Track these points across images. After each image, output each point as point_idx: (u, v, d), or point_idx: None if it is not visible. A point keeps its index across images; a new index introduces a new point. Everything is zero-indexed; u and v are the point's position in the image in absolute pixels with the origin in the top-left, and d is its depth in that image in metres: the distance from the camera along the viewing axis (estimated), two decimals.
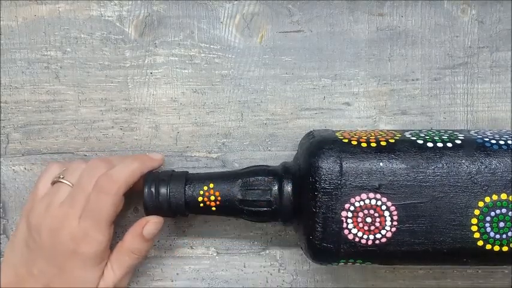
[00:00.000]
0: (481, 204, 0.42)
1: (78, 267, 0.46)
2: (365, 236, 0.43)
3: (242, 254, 0.54)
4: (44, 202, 0.47)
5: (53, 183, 0.48)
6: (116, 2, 0.51)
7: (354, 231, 0.43)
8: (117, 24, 0.52)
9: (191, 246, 0.54)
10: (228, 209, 0.47)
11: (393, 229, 0.43)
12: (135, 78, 0.52)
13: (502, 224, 0.42)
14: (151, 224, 0.48)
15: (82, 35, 0.52)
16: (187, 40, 0.52)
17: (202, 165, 0.53)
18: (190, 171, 0.49)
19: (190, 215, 0.49)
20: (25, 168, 0.53)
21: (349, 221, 0.42)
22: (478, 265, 0.53)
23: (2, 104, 0.53)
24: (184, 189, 0.47)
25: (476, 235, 0.42)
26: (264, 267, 0.54)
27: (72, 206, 0.46)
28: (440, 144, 0.43)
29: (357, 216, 0.42)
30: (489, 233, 0.42)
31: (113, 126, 0.53)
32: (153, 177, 0.47)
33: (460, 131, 0.46)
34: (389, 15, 0.52)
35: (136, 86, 0.52)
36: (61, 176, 0.48)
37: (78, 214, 0.46)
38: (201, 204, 0.47)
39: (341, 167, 0.42)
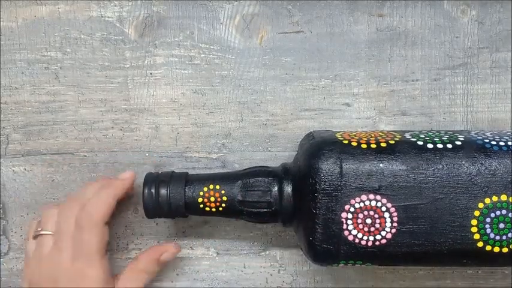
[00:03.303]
0: (481, 205, 0.42)
1: None
2: (365, 237, 0.43)
3: (242, 254, 0.54)
4: (34, 258, 0.48)
5: (35, 237, 0.48)
6: (116, 2, 0.51)
7: (354, 232, 0.43)
8: (117, 24, 0.52)
9: (191, 247, 0.54)
10: (228, 210, 0.47)
11: (393, 230, 0.43)
12: (135, 79, 0.52)
13: (502, 225, 0.42)
14: (170, 254, 0.50)
15: (82, 36, 0.52)
16: (187, 41, 0.52)
17: (202, 166, 0.53)
18: (190, 171, 0.49)
19: (190, 216, 0.49)
20: (25, 169, 0.53)
21: (349, 222, 0.42)
22: (478, 266, 0.53)
23: (2, 105, 0.53)
24: (184, 190, 0.47)
25: (476, 236, 0.42)
26: (264, 267, 0.54)
27: (60, 252, 0.46)
28: (440, 146, 0.43)
29: (357, 218, 0.42)
30: (489, 234, 0.42)
31: (112, 127, 0.53)
32: (153, 178, 0.47)
33: (460, 132, 0.46)
34: (389, 16, 0.52)
35: (136, 87, 0.52)
36: (39, 229, 0.48)
37: (68, 257, 0.46)
38: (201, 205, 0.47)
39: (341, 168, 0.42)
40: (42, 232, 0.47)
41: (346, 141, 0.44)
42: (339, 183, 0.42)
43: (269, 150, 0.53)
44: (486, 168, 0.42)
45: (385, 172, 0.42)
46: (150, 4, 0.51)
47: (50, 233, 0.47)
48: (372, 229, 0.43)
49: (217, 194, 0.47)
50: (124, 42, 0.52)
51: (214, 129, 0.53)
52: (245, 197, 0.46)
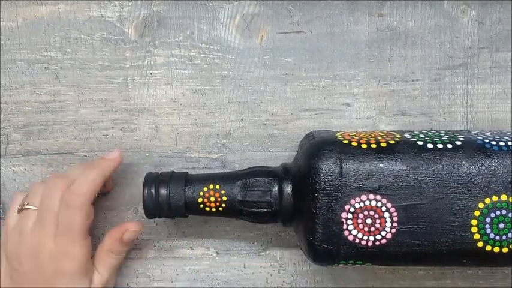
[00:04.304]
0: (481, 205, 0.42)
1: (67, 283, 0.47)
2: (365, 237, 0.43)
3: (242, 254, 0.54)
4: (15, 231, 0.47)
5: (19, 211, 0.48)
6: (116, 2, 0.51)
7: (354, 232, 0.43)
8: (117, 24, 0.52)
9: (191, 247, 0.54)
10: (228, 210, 0.47)
11: (393, 230, 0.43)
12: (135, 79, 0.52)
13: (502, 225, 0.42)
14: (131, 232, 0.49)
15: (82, 36, 0.52)
16: (187, 41, 0.52)
17: (202, 166, 0.53)
18: (190, 172, 0.49)
19: (190, 216, 0.49)
20: (25, 169, 0.53)
21: (349, 222, 0.42)
22: (478, 266, 0.53)
23: (2, 105, 0.53)
24: (184, 190, 0.47)
25: (476, 236, 0.42)
26: (264, 267, 0.54)
27: (43, 228, 0.46)
28: (440, 146, 0.43)
29: (357, 218, 0.42)
30: (489, 234, 0.42)
31: (113, 127, 0.53)
32: (153, 178, 0.47)
33: (460, 132, 0.46)
34: (389, 16, 0.52)
35: (136, 87, 0.52)
36: (25, 203, 0.48)
37: (51, 234, 0.46)
38: (201, 205, 0.47)
39: (341, 168, 0.42)
40: (27, 206, 0.47)
41: (346, 141, 0.44)
42: (339, 183, 0.42)
43: (269, 150, 0.53)
44: (486, 168, 0.42)
45: (385, 172, 0.42)
46: (150, 4, 0.51)
47: (35, 208, 0.47)
48: (372, 229, 0.43)
49: (217, 194, 0.47)
50: (124, 42, 0.52)
51: (214, 129, 0.53)
52: (245, 197, 0.46)
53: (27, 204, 0.48)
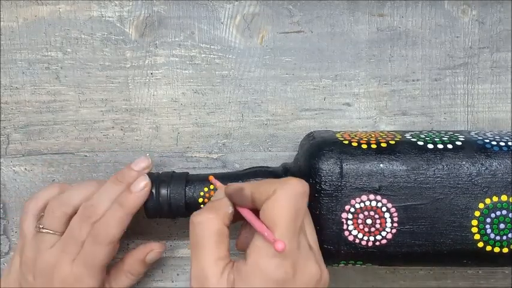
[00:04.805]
0: (481, 205, 0.42)
1: None
2: (365, 238, 0.43)
3: (242, 254, 0.54)
4: (33, 246, 0.47)
5: (36, 232, 0.48)
6: (117, 2, 0.51)
7: (354, 232, 0.43)
8: (118, 24, 0.52)
9: None
10: None
11: (393, 230, 0.43)
12: (135, 79, 0.52)
13: (502, 226, 0.42)
14: (155, 253, 0.50)
15: (82, 36, 0.52)
16: (188, 41, 0.52)
17: (202, 166, 0.53)
18: (191, 171, 0.49)
19: None
20: (25, 169, 0.53)
21: (350, 222, 0.43)
22: (478, 266, 0.53)
23: (2, 105, 0.53)
24: (185, 190, 0.47)
25: (477, 237, 0.43)
26: None
27: (63, 251, 0.46)
28: (440, 146, 0.43)
29: (357, 218, 0.42)
30: (489, 234, 0.42)
31: (113, 127, 0.53)
32: (153, 178, 0.47)
33: (461, 132, 0.46)
34: (389, 16, 0.52)
35: (136, 87, 0.52)
36: (40, 226, 0.47)
37: (70, 259, 0.46)
38: (202, 206, 0.47)
39: (341, 168, 0.42)
40: (43, 230, 0.47)
41: (346, 142, 0.44)
42: (339, 184, 0.42)
43: (269, 150, 0.53)
44: (486, 169, 0.42)
45: (385, 172, 0.42)
46: (150, 4, 0.51)
47: (52, 232, 0.47)
48: (372, 229, 0.43)
49: None
50: (125, 42, 0.52)
51: (214, 129, 0.53)
52: None
53: (42, 228, 0.47)
